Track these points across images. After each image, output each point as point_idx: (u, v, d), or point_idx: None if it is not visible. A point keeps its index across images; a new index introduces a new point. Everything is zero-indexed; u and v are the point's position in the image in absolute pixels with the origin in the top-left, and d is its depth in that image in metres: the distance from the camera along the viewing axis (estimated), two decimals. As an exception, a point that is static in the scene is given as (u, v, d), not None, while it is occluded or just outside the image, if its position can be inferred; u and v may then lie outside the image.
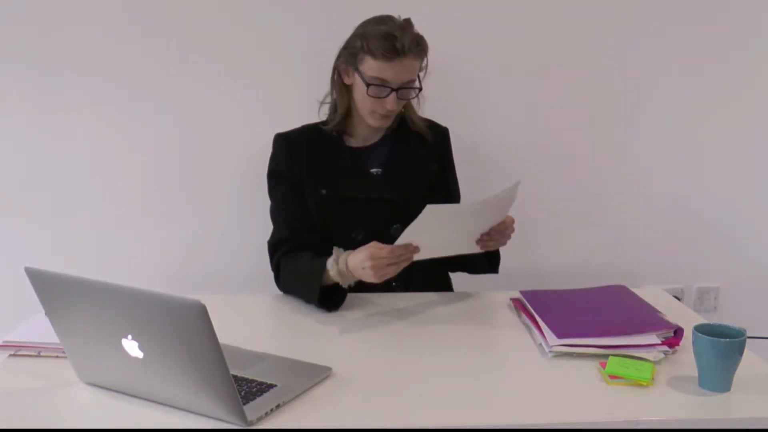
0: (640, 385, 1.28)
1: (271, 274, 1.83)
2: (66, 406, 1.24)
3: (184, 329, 1.09)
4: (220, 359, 1.09)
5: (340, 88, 1.79)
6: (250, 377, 1.27)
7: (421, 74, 1.77)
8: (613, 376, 1.30)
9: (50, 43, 2.15)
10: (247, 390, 1.23)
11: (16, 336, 1.43)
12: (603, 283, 1.76)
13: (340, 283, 1.61)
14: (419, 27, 1.75)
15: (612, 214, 2.46)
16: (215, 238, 2.32)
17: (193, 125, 2.25)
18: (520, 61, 2.31)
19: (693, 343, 1.28)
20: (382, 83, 1.68)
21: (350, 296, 1.73)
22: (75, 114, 2.20)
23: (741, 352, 1.26)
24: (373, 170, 1.82)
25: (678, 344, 1.42)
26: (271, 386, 1.24)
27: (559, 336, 1.43)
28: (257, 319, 1.66)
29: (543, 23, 2.29)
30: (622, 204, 2.45)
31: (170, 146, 2.25)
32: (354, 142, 1.83)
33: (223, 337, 1.09)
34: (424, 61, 1.76)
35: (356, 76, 1.72)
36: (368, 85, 1.68)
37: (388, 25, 1.68)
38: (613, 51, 2.33)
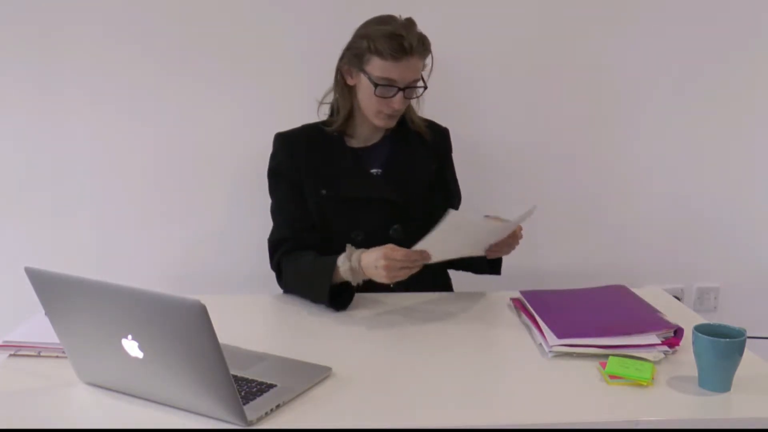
0: (640, 385, 1.28)
1: (271, 273, 1.83)
2: (66, 406, 1.24)
3: (184, 329, 1.09)
4: (220, 359, 1.09)
5: (343, 89, 1.79)
6: (250, 377, 1.27)
7: (425, 72, 1.77)
8: (613, 376, 1.30)
9: (50, 43, 2.15)
10: (247, 390, 1.23)
11: (16, 336, 1.43)
12: (603, 283, 1.76)
13: (350, 280, 1.61)
14: (419, 26, 1.75)
15: (612, 214, 2.46)
16: (215, 238, 2.32)
17: (193, 125, 2.25)
18: (520, 61, 2.31)
19: (693, 343, 1.28)
20: (389, 83, 1.68)
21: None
22: (75, 114, 2.20)
23: (741, 352, 1.26)
24: (373, 171, 1.81)
25: (678, 344, 1.42)
26: (271, 386, 1.24)
27: (559, 336, 1.43)
28: (257, 319, 1.66)
29: (542, 23, 2.29)
30: (622, 204, 2.45)
31: (170, 146, 2.25)
32: (355, 143, 1.83)
33: (223, 337, 1.09)
34: (428, 60, 1.76)
35: (361, 77, 1.71)
36: (376, 85, 1.68)
37: (392, 24, 1.68)
38: (612, 51, 2.33)
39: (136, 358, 1.16)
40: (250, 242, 2.31)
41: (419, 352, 1.45)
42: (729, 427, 1.21)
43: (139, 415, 1.18)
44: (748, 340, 1.26)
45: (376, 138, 1.84)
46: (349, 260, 1.60)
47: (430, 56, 1.76)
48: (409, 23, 1.70)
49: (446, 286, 1.94)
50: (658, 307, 1.57)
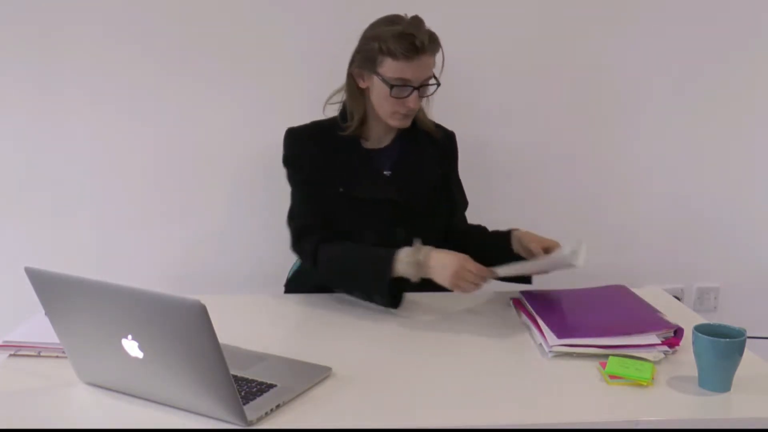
0: (640, 385, 1.28)
1: (270, 274, 1.83)
2: (66, 406, 1.24)
3: (184, 329, 1.09)
4: (220, 359, 1.09)
5: (355, 93, 1.76)
6: (250, 377, 1.27)
7: (436, 69, 1.75)
8: (613, 376, 1.30)
9: (50, 43, 2.15)
10: (247, 390, 1.23)
11: (16, 336, 1.43)
12: (603, 283, 1.76)
13: (407, 274, 1.59)
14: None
15: (612, 214, 2.46)
16: (215, 238, 2.32)
17: (193, 125, 2.25)
18: (519, 61, 2.31)
19: (693, 343, 1.28)
20: (404, 83, 1.66)
21: (350, 296, 1.73)
22: (75, 114, 2.20)
23: (741, 352, 1.26)
24: (385, 172, 1.80)
25: (678, 344, 1.42)
26: (271, 386, 1.24)
27: (559, 336, 1.43)
28: (257, 319, 1.66)
29: (542, 23, 2.29)
30: (622, 204, 2.45)
31: (170, 146, 2.25)
32: (368, 144, 1.81)
33: (223, 337, 1.09)
34: (439, 56, 1.74)
35: (374, 79, 1.69)
36: (391, 86, 1.66)
37: (401, 24, 1.66)
38: (612, 51, 2.33)
39: (136, 358, 1.16)
40: (250, 242, 2.31)
41: (419, 352, 1.45)
42: (729, 427, 1.21)
43: (139, 415, 1.18)
44: (748, 340, 1.26)
45: (387, 139, 1.82)
46: (416, 254, 1.58)
47: (440, 53, 1.75)
48: (418, 21, 1.68)
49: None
50: (658, 307, 1.57)
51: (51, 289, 1.20)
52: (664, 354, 1.39)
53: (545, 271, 1.67)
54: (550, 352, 1.41)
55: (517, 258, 1.69)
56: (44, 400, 1.25)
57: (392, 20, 1.69)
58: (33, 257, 2.22)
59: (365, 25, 1.76)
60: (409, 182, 1.79)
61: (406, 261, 1.59)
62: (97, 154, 2.24)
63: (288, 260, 1.99)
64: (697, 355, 1.28)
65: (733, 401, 1.25)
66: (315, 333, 1.57)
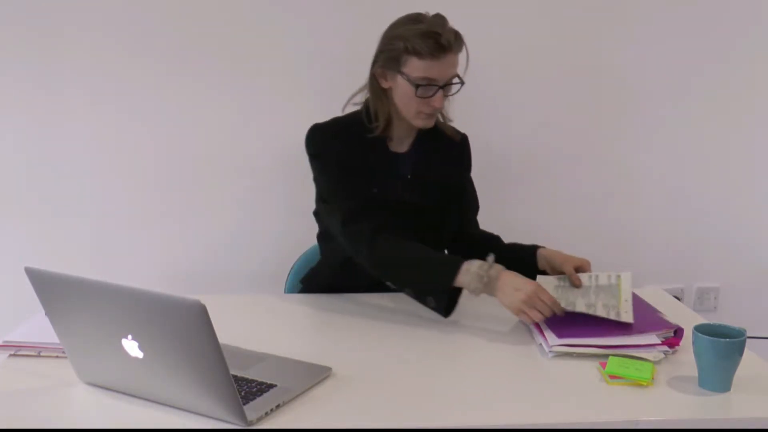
0: (640, 385, 1.28)
1: (270, 274, 1.83)
2: (66, 406, 1.24)
3: (184, 329, 1.09)
4: (220, 359, 1.09)
5: (379, 93, 1.71)
6: (250, 377, 1.27)
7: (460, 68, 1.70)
8: (613, 376, 1.29)
9: (50, 44, 2.15)
10: (247, 390, 1.23)
11: (16, 336, 1.43)
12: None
13: (469, 286, 1.54)
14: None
15: (612, 214, 2.46)
16: (215, 238, 2.33)
17: (193, 125, 2.25)
18: (522, 62, 2.31)
19: (693, 343, 1.28)
20: (429, 82, 1.63)
21: (350, 296, 1.73)
22: (75, 114, 2.21)
23: (741, 352, 1.26)
24: (409, 176, 1.78)
25: (678, 344, 1.42)
26: (271, 386, 1.24)
27: (559, 336, 1.43)
28: (257, 319, 1.66)
29: (547, 25, 2.29)
30: (622, 204, 2.46)
31: (170, 146, 2.25)
32: (394, 146, 1.77)
33: (223, 337, 1.09)
34: (463, 55, 1.70)
35: (398, 79, 1.65)
36: (417, 86, 1.63)
37: (425, 23, 1.63)
38: (613, 52, 2.34)
39: (136, 358, 1.16)
40: (250, 242, 2.31)
41: (419, 352, 1.45)
42: (729, 427, 1.21)
43: (139, 415, 1.18)
44: (748, 340, 1.26)
45: (408, 143, 1.79)
46: (488, 269, 1.53)
47: (464, 51, 1.70)
48: (441, 19, 1.65)
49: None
50: (658, 307, 1.57)
51: (51, 289, 1.20)
52: (664, 354, 1.39)
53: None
54: (550, 352, 1.40)
55: (538, 272, 1.70)
56: (44, 400, 1.25)
57: (415, 19, 1.65)
58: (33, 257, 2.22)
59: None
60: (429, 186, 1.77)
61: (474, 272, 1.52)
62: (97, 154, 2.24)
63: (288, 260, 2.00)
64: (697, 355, 1.28)
65: (733, 401, 1.25)
66: (315, 333, 1.57)
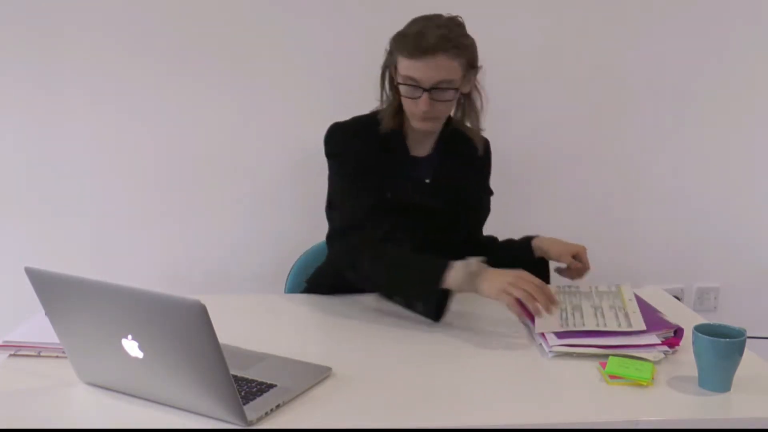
0: (640, 385, 1.28)
1: (270, 274, 1.83)
2: (66, 406, 1.24)
3: (184, 329, 1.09)
4: (220, 359, 1.09)
5: (392, 87, 1.71)
6: (250, 377, 1.27)
7: (470, 76, 1.69)
8: (613, 376, 1.29)
9: (50, 44, 2.15)
10: (247, 390, 1.22)
11: (16, 336, 1.43)
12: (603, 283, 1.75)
13: (457, 286, 1.52)
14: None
15: (612, 214, 2.46)
16: (215, 238, 2.33)
17: (194, 125, 2.25)
18: (522, 62, 2.31)
19: (693, 343, 1.28)
20: (413, 83, 1.62)
21: (350, 297, 1.72)
22: (75, 114, 2.21)
23: (741, 352, 1.26)
24: (427, 180, 1.76)
25: (678, 344, 1.42)
26: (271, 386, 1.24)
27: (559, 336, 1.43)
28: (257, 319, 1.66)
29: (548, 26, 2.29)
30: (622, 204, 2.46)
31: (170, 146, 2.25)
32: (414, 150, 1.76)
33: (223, 337, 1.09)
34: (469, 62, 1.66)
35: (397, 76, 1.66)
36: (402, 85, 1.63)
37: (423, 22, 1.62)
38: (612, 52, 2.34)
39: (136, 358, 1.16)
40: (250, 242, 2.31)
41: (419, 352, 1.45)
42: (729, 427, 1.21)
43: (139, 415, 1.18)
44: (748, 340, 1.26)
45: (427, 147, 1.77)
46: (468, 266, 1.51)
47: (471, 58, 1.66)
48: (437, 20, 1.63)
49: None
50: (658, 307, 1.57)
51: (51, 289, 1.20)
52: (664, 354, 1.39)
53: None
54: (550, 352, 1.40)
55: (539, 261, 1.71)
56: (44, 400, 1.25)
57: (419, 19, 1.64)
58: (33, 257, 2.22)
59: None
60: (446, 191, 1.75)
61: (459, 271, 1.51)
62: (97, 154, 2.24)
63: (288, 260, 1.99)
64: (697, 355, 1.28)
65: (733, 401, 1.25)
66: (315, 333, 1.57)
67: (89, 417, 1.21)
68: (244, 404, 1.15)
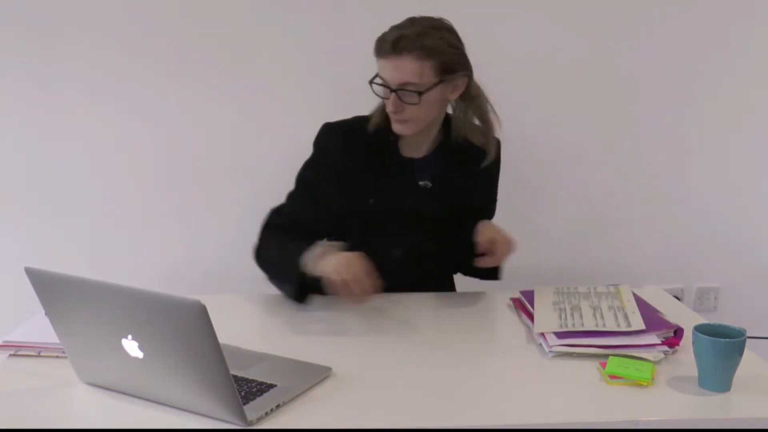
0: (640, 385, 1.28)
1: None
2: (66, 406, 1.24)
3: (184, 329, 1.09)
4: (220, 359, 1.09)
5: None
6: (250, 377, 1.27)
7: (454, 81, 1.66)
8: (613, 376, 1.29)
9: (50, 44, 2.15)
10: (247, 390, 1.23)
11: (16, 336, 1.43)
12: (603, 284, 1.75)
13: (311, 269, 1.54)
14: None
15: (612, 214, 2.46)
16: (215, 238, 2.33)
17: (194, 125, 2.25)
18: (522, 62, 2.31)
19: (693, 343, 1.28)
20: (383, 82, 1.62)
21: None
22: (75, 114, 2.21)
23: (741, 352, 1.26)
24: (422, 183, 1.73)
25: (678, 344, 1.42)
26: (271, 386, 1.24)
27: (559, 336, 1.43)
28: (257, 319, 1.66)
29: (548, 25, 2.29)
30: (622, 204, 2.46)
31: (170, 146, 2.25)
32: (407, 151, 1.74)
33: (223, 337, 1.09)
34: (444, 66, 1.62)
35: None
36: (374, 84, 1.62)
37: (403, 23, 1.62)
38: (612, 52, 2.34)
39: (136, 358, 1.16)
40: (250, 242, 2.31)
41: (419, 352, 1.45)
42: (729, 427, 1.21)
43: (139, 415, 1.18)
44: (748, 340, 1.26)
45: (425, 148, 1.74)
46: (321, 248, 1.54)
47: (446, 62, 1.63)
48: (409, 22, 1.62)
49: (449, 286, 1.92)
50: (658, 307, 1.57)
51: (51, 289, 1.20)
52: (664, 354, 1.39)
53: None
54: (550, 352, 1.40)
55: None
56: (44, 400, 1.25)
57: (406, 20, 1.64)
58: (33, 257, 2.22)
59: (366, 25, 1.75)
60: (450, 196, 1.73)
61: (312, 253, 1.54)
62: (97, 154, 2.24)
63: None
64: (697, 355, 1.28)
65: (733, 401, 1.25)
66: (315, 333, 1.57)
67: (89, 417, 1.21)
68: (244, 404, 1.15)
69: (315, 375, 1.30)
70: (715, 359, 1.25)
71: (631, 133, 2.40)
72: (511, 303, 1.69)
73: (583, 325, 1.46)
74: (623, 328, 1.44)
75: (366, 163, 1.71)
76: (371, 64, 1.70)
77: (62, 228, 2.27)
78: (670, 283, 2.46)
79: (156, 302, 1.10)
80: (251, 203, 2.30)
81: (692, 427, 1.19)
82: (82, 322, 1.20)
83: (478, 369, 1.39)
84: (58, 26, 2.14)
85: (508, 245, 1.65)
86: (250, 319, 1.65)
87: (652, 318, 1.50)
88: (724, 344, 1.24)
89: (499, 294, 1.76)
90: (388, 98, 1.63)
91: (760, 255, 2.52)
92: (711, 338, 1.24)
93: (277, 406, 1.19)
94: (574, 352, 1.40)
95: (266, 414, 1.17)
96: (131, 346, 1.16)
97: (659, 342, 1.40)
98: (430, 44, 1.59)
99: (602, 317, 1.50)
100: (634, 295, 1.64)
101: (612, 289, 1.66)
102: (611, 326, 1.45)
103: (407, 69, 1.58)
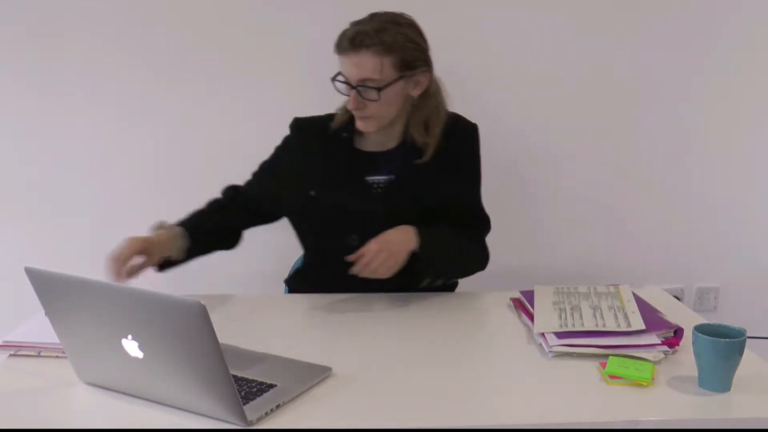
0: (640, 385, 1.28)
1: (270, 274, 1.84)
2: (66, 406, 1.24)
3: (184, 329, 1.09)
4: (220, 359, 1.09)
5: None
6: (250, 377, 1.27)
7: (416, 77, 1.64)
8: (613, 376, 1.29)
9: (50, 44, 2.15)
10: (247, 390, 1.23)
11: (16, 336, 1.43)
12: (603, 283, 1.75)
13: None
14: (424, 25, 1.69)
15: (612, 214, 2.46)
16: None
17: (194, 125, 2.25)
18: (521, 61, 2.31)
19: (693, 343, 1.28)
20: (344, 80, 1.61)
21: (350, 296, 1.72)
22: (75, 114, 2.21)
23: (741, 352, 1.26)
24: (376, 178, 1.71)
25: (678, 344, 1.42)
26: (271, 386, 1.24)
27: (559, 336, 1.43)
28: (257, 319, 1.66)
29: (547, 25, 2.29)
30: (622, 204, 2.46)
31: (170, 146, 2.26)
32: (368, 146, 1.73)
33: (223, 337, 1.09)
34: (404, 62, 1.60)
35: None
36: (336, 81, 1.62)
37: (364, 19, 1.62)
38: (612, 52, 2.34)
39: (136, 358, 1.16)
40: (250, 242, 2.31)
41: (419, 352, 1.45)
42: (729, 427, 1.21)
43: (139, 415, 1.18)
44: (748, 340, 1.26)
45: (391, 142, 1.73)
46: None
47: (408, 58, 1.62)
48: (369, 18, 1.61)
49: (450, 286, 1.92)
50: (658, 307, 1.57)
51: (51, 289, 1.20)
52: (664, 354, 1.39)
53: None
54: (550, 352, 1.40)
55: None
56: (44, 400, 1.25)
57: (367, 16, 1.65)
58: (33, 257, 2.22)
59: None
60: (410, 193, 1.70)
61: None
62: (97, 154, 2.24)
63: (289, 260, 1.99)
64: (697, 355, 1.28)
65: (733, 401, 1.25)
66: (315, 333, 1.57)
67: (89, 417, 1.21)
68: (244, 404, 1.15)
69: (315, 375, 1.30)
70: (715, 359, 1.25)
71: (631, 133, 2.40)
72: (511, 303, 1.69)
73: (583, 325, 1.46)
74: (623, 328, 1.44)
75: (317, 157, 1.73)
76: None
77: (62, 228, 2.27)
78: (670, 283, 2.47)
79: (156, 302, 1.10)
80: (251, 203, 2.30)
81: (692, 427, 1.19)
82: (82, 322, 1.20)
83: (478, 369, 1.39)
84: (58, 26, 2.14)
85: (378, 253, 1.55)
86: (250, 319, 1.65)
87: (652, 318, 1.49)
88: (724, 344, 1.24)
89: (499, 294, 1.76)
90: (348, 95, 1.63)
91: (760, 255, 2.52)
92: (711, 338, 1.24)
93: (277, 406, 1.19)
94: (574, 352, 1.40)
95: (266, 414, 1.17)
96: (131, 346, 1.16)
97: (659, 342, 1.40)
98: (389, 40, 1.58)
99: (602, 317, 1.50)
100: (634, 295, 1.64)
101: (612, 289, 1.66)
102: (611, 326, 1.45)
103: (366, 65, 1.58)
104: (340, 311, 1.66)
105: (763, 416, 1.21)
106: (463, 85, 2.29)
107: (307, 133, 1.77)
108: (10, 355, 1.39)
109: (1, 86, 2.17)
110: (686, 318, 1.55)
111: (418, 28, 1.68)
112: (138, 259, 1.60)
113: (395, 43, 1.59)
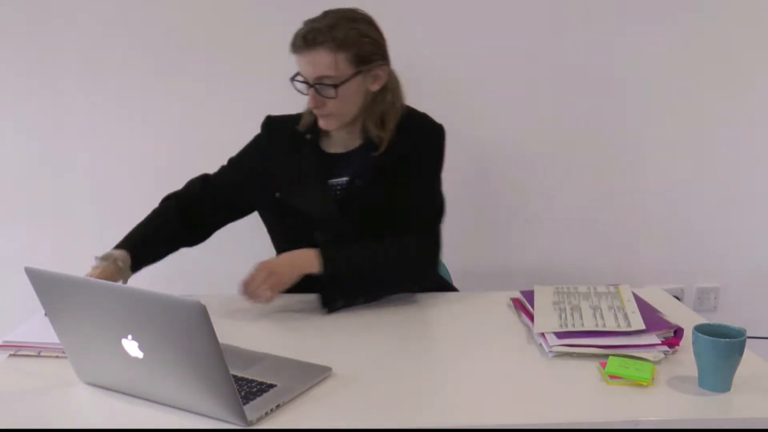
0: (640, 385, 1.28)
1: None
2: (66, 406, 1.24)
3: (184, 329, 1.09)
4: (220, 359, 1.09)
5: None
6: (250, 377, 1.27)
7: (373, 72, 1.63)
8: (613, 376, 1.29)
9: (50, 44, 2.15)
10: (247, 390, 1.23)
11: (16, 336, 1.43)
12: (603, 283, 1.75)
13: None
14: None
15: (612, 214, 2.46)
16: (215, 238, 2.32)
17: (194, 125, 2.25)
18: (520, 61, 2.31)
19: (693, 343, 1.28)
20: (303, 79, 1.62)
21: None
22: (75, 114, 2.21)
23: (741, 352, 1.26)
24: (338, 180, 1.70)
25: (678, 344, 1.42)
26: (271, 386, 1.24)
27: (559, 336, 1.43)
28: (257, 319, 1.65)
29: (546, 24, 2.29)
30: (622, 204, 2.46)
31: (170, 146, 2.26)
32: (332, 147, 1.73)
33: (223, 337, 1.09)
34: (360, 57, 1.60)
35: None
36: (295, 81, 1.63)
37: (316, 16, 1.62)
38: (612, 52, 2.34)
39: (136, 358, 1.16)
40: (250, 242, 2.31)
41: (419, 352, 1.45)
42: (729, 427, 1.21)
43: (139, 415, 1.18)
44: (748, 340, 1.26)
45: (354, 143, 1.72)
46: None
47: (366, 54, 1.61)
48: (332, 15, 1.61)
49: (448, 286, 1.92)
50: (658, 307, 1.57)
51: (51, 289, 1.20)
52: (664, 354, 1.39)
53: None
54: (550, 352, 1.40)
55: None
56: (44, 400, 1.25)
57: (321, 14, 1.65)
58: (33, 257, 2.22)
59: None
60: (359, 196, 1.68)
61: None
62: (97, 154, 2.24)
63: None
64: (697, 355, 1.28)
65: (733, 401, 1.25)
66: (315, 333, 1.57)
67: (89, 417, 1.21)
68: (244, 404, 1.15)
69: (315, 375, 1.30)
70: (715, 359, 1.25)
71: (631, 133, 2.40)
72: (511, 303, 1.69)
73: (583, 325, 1.46)
74: (623, 328, 1.44)
75: (284, 160, 1.73)
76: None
77: (62, 228, 2.27)
78: (670, 283, 2.47)
79: (156, 302, 1.10)
80: (251, 203, 2.30)
81: (692, 427, 1.19)
82: (82, 322, 1.20)
83: (478, 369, 1.39)
84: (58, 26, 2.14)
85: (258, 272, 1.61)
86: (250, 319, 1.65)
87: (652, 318, 1.49)
88: (724, 344, 1.24)
89: (499, 294, 1.76)
90: (307, 94, 1.63)
91: (760, 255, 2.52)
92: (711, 338, 1.24)
93: (277, 406, 1.19)
94: (574, 352, 1.40)
95: (266, 414, 1.17)
96: (131, 346, 1.16)
97: (659, 342, 1.40)
98: (341, 36, 1.58)
99: (602, 317, 1.50)
100: (634, 295, 1.64)
101: (612, 289, 1.66)
102: (611, 326, 1.45)
103: (321, 62, 1.59)
104: (340, 311, 1.66)
105: (763, 416, 1.21)
106: (463, 85, 2.30)
107: (278, 132, 1.79)
108: (10, 355, 1.39)
109: (1, 86, 2.17)
110: (686, 318, 1.55)
111: (373, 22, 1.67)
112: None
113: (348, 38, 1.59)
